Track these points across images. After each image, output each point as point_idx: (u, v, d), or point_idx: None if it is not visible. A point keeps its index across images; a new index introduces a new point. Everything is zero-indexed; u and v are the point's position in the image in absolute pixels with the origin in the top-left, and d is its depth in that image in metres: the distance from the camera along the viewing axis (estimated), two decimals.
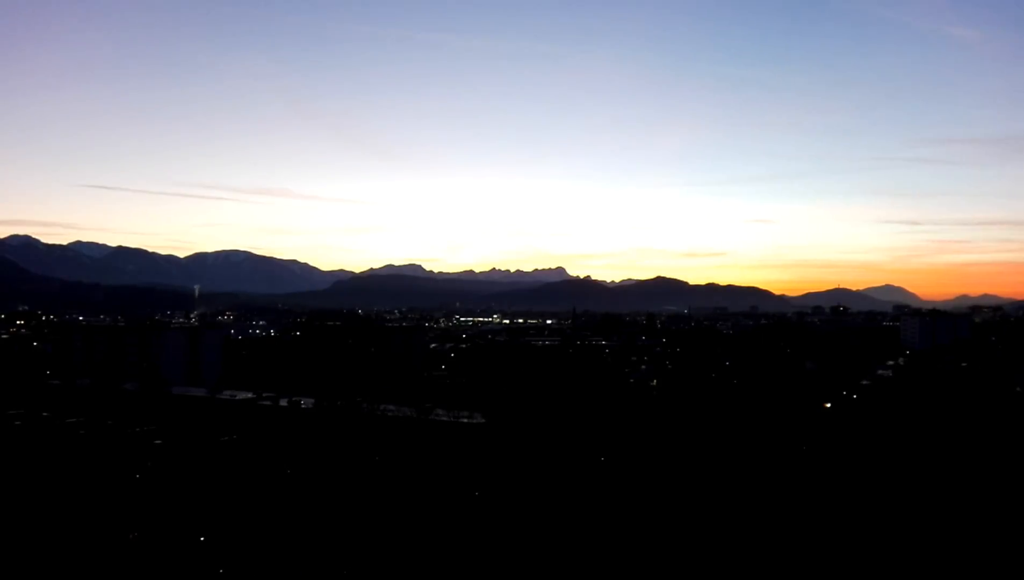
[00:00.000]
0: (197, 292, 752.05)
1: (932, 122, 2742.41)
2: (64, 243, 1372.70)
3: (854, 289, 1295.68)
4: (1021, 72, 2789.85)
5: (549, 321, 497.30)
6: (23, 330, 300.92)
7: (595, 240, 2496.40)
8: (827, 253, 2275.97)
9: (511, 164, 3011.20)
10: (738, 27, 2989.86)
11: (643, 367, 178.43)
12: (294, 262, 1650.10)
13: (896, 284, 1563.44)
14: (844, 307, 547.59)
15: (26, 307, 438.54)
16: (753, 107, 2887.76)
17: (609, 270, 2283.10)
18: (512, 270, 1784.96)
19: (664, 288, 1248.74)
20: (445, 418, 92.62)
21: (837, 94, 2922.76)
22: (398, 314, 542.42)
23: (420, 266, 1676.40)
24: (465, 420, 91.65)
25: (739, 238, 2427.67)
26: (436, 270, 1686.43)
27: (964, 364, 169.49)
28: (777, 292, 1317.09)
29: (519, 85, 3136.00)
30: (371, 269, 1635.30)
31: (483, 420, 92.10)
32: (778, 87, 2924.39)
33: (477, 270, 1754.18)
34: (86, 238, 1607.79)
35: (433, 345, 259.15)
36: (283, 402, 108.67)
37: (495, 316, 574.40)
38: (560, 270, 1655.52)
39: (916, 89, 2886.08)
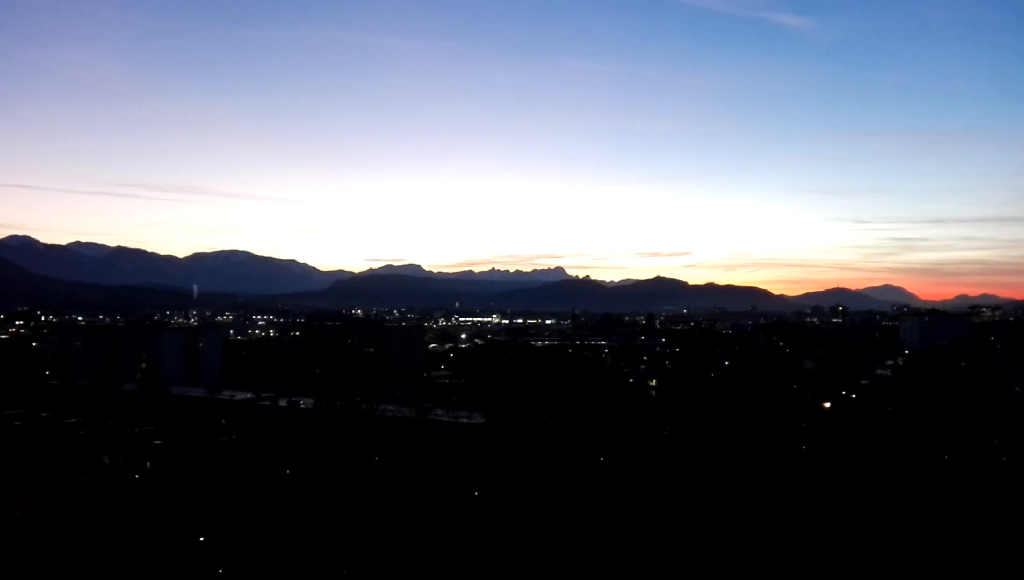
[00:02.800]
0: (196, 292, 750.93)
1: (837, 118, 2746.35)
2: (63, 243, 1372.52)
3: (853, 289, 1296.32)
4: (859, 63, 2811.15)
5: (548, 321, 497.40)
6: (22, 330, 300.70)
7: (594, 240, 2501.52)
8: (789, 253, 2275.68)
9: (510, 165, 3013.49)
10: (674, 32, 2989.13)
11: (642, 367, 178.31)
12: (293, 262, 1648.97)
13: (895, 284, 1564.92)
14: (843, 307, 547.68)
15: (25, 307, 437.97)
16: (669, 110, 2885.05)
17: (608, 270, 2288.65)
18: (511, 270, 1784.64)
19: (663, 288, 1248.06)
20: (444, 418, 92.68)
21: (733, 94, 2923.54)
22: (397, 314, 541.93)
23: (419, 266, 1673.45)
24: (464, 420, 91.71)
25: (700, 238, 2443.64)
26: (435, 270, 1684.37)
27: (963, 364, 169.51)
28: (776, 292, 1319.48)
29: (518, 87, 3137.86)
30: (370, 269, 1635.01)
31: (482, 420, 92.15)
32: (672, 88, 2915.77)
33: (476, 270, 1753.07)
34: (85, 238, 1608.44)
35: (432, 345, 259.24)
36: (282, 402, 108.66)
37: (494, 316, 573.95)
38: (559, 270, 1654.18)
39: (792, 84, 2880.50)
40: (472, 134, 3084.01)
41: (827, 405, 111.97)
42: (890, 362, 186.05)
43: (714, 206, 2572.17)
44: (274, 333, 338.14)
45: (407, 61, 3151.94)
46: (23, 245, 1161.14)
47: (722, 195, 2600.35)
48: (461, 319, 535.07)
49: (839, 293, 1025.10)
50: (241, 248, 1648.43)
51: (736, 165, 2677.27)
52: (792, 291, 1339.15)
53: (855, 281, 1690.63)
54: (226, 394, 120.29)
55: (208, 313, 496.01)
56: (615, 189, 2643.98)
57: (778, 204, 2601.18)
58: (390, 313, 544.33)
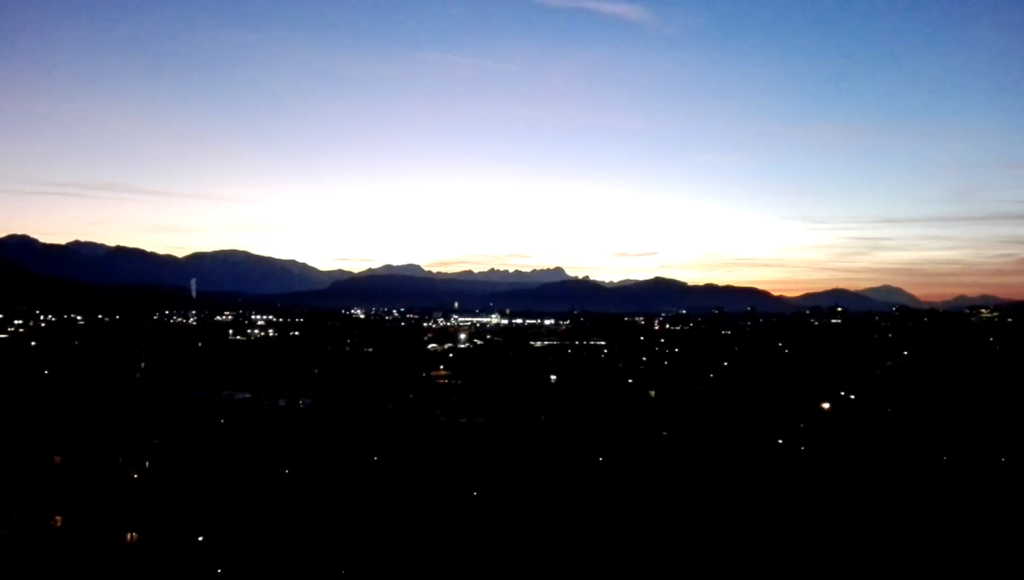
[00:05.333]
0: (195, 292, 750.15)
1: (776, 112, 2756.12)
2: (63, 243, 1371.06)
3: (852, 289, 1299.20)
4: (710, 57, 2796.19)
5: (548, 321, 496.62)
6: (21, 330, 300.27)
7: (594, 241, 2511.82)
8: (754, 253, 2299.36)
9: (510, 166, 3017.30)
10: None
11: (641, 368, 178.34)
12: (292, 262, 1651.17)
13: (894, 285, 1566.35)
14: (842, 308, 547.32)
15: (24, 307, 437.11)
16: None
17: (608, 271, 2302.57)
18: (511, 270, 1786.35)
19: (662, 289, 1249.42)
20: (443, 418, 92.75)
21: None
22: (397, 314, 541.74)
23: (419, 266, 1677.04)
24: (464, 420, 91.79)
25: (666, 238, 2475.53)
26: (435, 270, 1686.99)
27: (962, 364, 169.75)
28: (775, 293, 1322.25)
29: (519, 91, 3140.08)
30: (370, 269, 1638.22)
31: (481, 420, 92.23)
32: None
33: (476, 270, 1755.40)
34: (84, 238, 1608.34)
35: (431, 345, 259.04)
36: (282, 402, 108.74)
37: (494, 316, 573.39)
38: (559, 270, 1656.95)
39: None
40: (471, 135, 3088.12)
41: (826, 406, 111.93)
42: (889, 363, 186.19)
43: (676, 210, 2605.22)
44: (273, 333, 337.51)
45: (404, 64, 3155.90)
46: (23, 245, 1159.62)
47: (679, 196, 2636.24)
48: (460, 319, 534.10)
49: (838, 294, 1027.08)
50: (241, 248, 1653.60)
51: (677, 164, 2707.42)
52: (790, 292, 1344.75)
53: (854, 282, 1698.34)
54: (225, 394, 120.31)
55: (207, 313, 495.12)
56: (584, 189, 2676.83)
57: (730, 205, 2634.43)
58: (389, 313, 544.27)
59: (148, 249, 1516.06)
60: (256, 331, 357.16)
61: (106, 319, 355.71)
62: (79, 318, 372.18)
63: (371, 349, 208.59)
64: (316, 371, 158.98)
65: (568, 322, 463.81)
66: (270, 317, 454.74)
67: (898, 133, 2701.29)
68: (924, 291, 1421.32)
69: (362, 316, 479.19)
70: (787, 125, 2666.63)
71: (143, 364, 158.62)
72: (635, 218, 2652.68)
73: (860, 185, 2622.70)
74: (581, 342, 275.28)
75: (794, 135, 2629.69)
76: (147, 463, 75.56)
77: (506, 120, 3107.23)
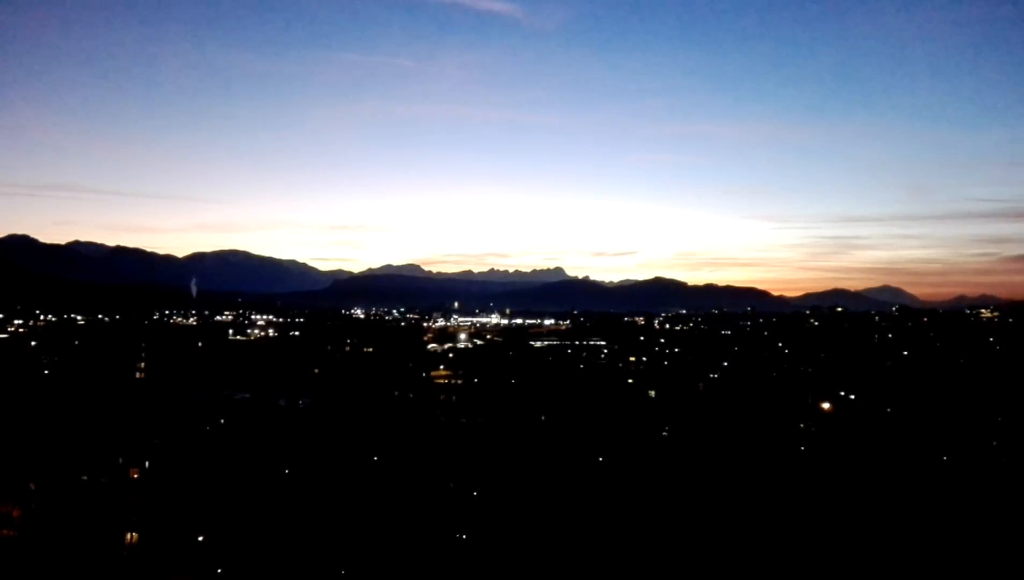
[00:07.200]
0: (195, 291, 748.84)
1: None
2: (63, 243, 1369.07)
3: (852, 289, 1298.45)
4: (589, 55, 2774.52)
5: (548, 321, 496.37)
6: (21, 330, 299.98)
7: (594, 241, 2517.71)
8: (728, 252, 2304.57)
9: (509, 166, 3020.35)
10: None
11: (641, 368, 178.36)
12: (292, 262, 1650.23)
13: (894, 285, 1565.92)
14: (841, 308, 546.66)
15: (23, 306, 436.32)
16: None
17: (608, 271, 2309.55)
18: (511, 270, 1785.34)
19: (662, 289, 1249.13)
20: (443, 418, 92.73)
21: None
22: (397, 314, 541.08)
23: (418, 266, 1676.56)
24: (464, 420, 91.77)
25: (645, 237, 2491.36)
26: (434, 270, 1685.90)
27: (962, 364, 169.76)
28: (775, 293, 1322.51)
29: (519, 91, 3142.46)
30: (369, 269, 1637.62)
31: (481, 420, 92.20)
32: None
33: (475, 270, 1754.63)
34: (84, 238, 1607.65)
35: (431, 345, 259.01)
36: (281, 402, 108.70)
37: (494, 316, 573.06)
38: (559, 270, 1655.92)
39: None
40: (471, 135, 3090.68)
41: (826, 406, 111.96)
42: (889, 363, 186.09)
43: (653, 210, 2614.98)
44: (273, 333, 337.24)
45: (400, 69, 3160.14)
46: (22, 244, 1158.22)
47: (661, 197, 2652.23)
48: (460, 319, 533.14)
49: (838, 294, 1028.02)
50: (241, 248, 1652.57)
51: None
52: (790, 292, 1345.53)
53: (853, 282, 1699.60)
54: (225, 393, 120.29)
55: (207, 313, 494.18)
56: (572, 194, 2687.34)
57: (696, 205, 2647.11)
58: (389, 313, 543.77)
59: (148, 249, 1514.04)
60: (256, 331, 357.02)
61: (106, 319, 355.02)
62: (79, 318, 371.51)
63: (371, 349, 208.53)
64: (316, 371, 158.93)
65: (568, 322, 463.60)
66: (270, 317, 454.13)
67: (848, 134, 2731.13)
68: (924, 291, 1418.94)
69: (362, 316, 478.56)
70: (735, 124, 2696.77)
71: (143, 364, 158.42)
72: (613, 218, 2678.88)
73: (817, 185, 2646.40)
74: (581, 342, 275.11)
75: (732, 134, 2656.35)
76: (147, 463, 75.56)
77: (505, 120, 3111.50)
